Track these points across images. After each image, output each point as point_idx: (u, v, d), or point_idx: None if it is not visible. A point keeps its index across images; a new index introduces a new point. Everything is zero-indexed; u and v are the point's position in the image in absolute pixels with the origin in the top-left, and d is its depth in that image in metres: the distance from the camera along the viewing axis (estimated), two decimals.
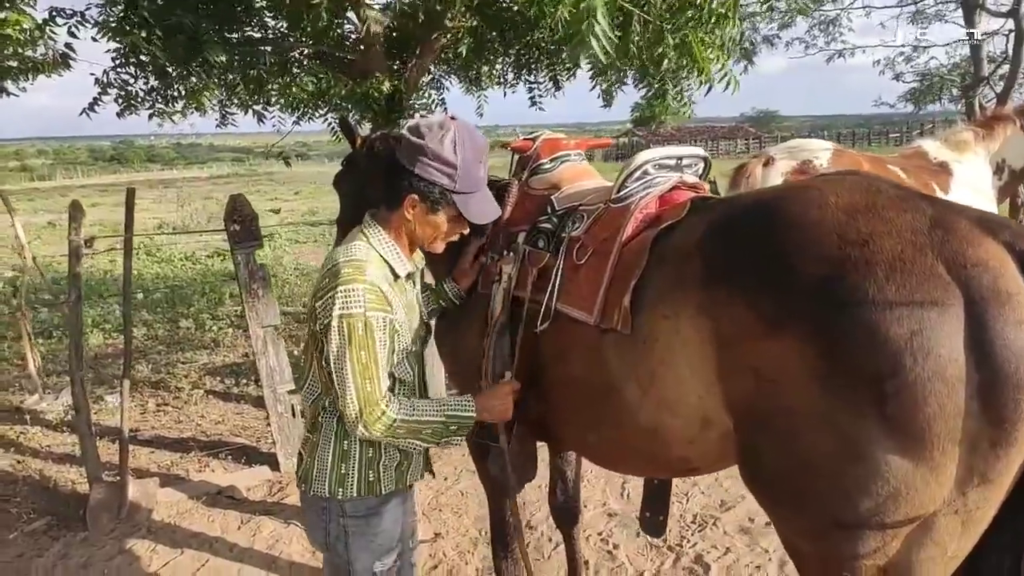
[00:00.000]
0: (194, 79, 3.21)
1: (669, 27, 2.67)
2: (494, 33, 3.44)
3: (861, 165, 4.27)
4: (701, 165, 2.14)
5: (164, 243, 13.10)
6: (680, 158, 2.06)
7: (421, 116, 2.16)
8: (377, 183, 1.91)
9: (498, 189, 2.42)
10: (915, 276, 1.38)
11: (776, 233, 1.56)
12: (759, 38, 12.05)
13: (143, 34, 2.83)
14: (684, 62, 2.85)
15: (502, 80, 4.30)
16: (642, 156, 2.01)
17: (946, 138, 4.47)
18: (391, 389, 1.84)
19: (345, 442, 1.87)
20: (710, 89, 3.29)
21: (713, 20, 2.74)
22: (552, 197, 2.21)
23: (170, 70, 3.27)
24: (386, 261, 1.85)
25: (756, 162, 4.32)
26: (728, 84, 2.98)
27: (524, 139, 2.34)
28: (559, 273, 2.03)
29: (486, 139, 1.87)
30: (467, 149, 1.79)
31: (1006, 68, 9.07)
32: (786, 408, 1.49)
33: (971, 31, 9.38)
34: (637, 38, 2.61)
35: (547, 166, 2.29)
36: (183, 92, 3.42)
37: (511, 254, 2.20)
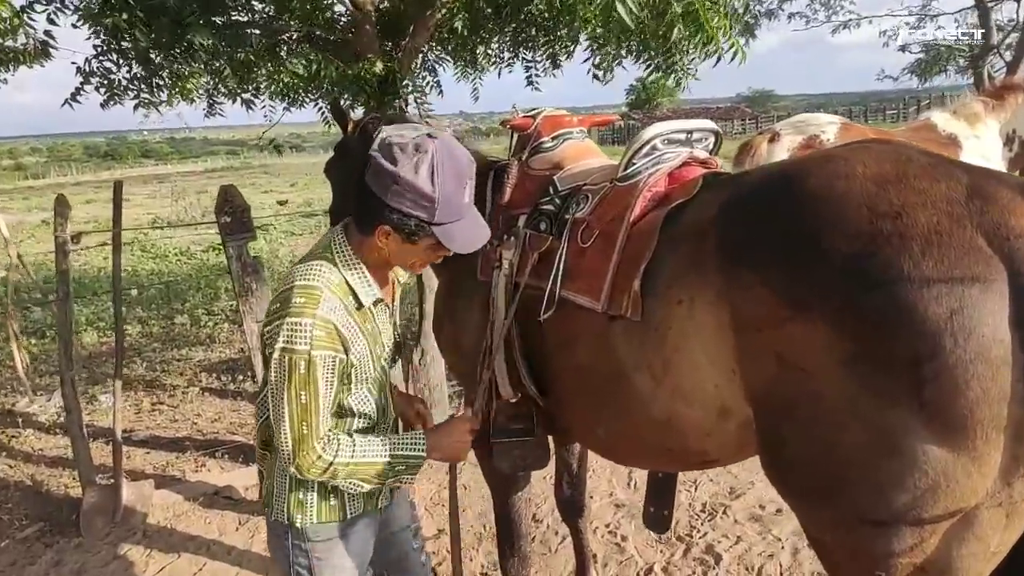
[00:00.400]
0: (178, 65, 3.08)
1: None
2: (489, 10, 3.30)
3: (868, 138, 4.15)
4: (712, 139, 2.02)
5: (159, 238, 12.97)
6: (690, 132, 1.94)
7: (402, 113, 1.94)
8: (350, 196, 1.69)
9: (497, 170, 2.30)
10: (954, 250, 1.27)
11: (799, 208, 1.44)
12: (761, 10, 11.85)
13: (124, 17, 2.69)
14: (690, 31, 2.71)
15: (498, 59, 4.16)
16: (650, 131, 1.89)
17: (955, 110, 4.35)
18: (353, 417, 1.71)
19: None
20: (718, 60, 3.15)
21: None
22: (554, 177, 2.09)
23: (153, 56, 3.14)
24: (350, 287, 1.65)
25: (762, 138, 4.20)
26: (736, 54, 2.85)
27: (524, 116, 2.22)
28: (563, 257, 1.91)
29: (469, 157, 1.64)
30: (447, 176, 1.55)
31: (1016, 36, 8.89)
32: (813, 395, 1.38)
33: None
34: (640, 6, 2.48)
35: (548, 145, 2.17)
36: (168, 80, 3.29)
37: (511, 238, 2.08)
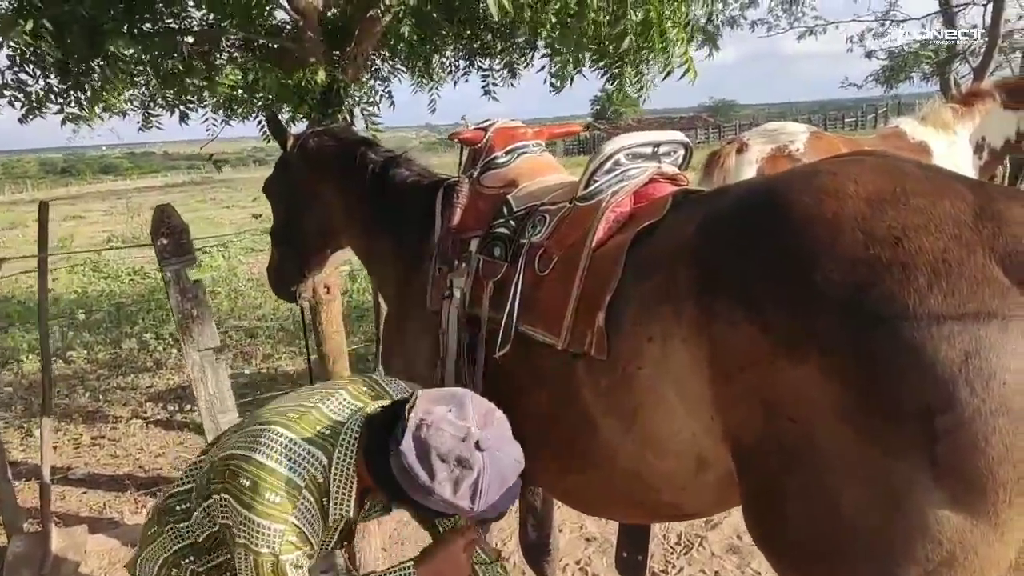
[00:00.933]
0: (98, 76, 2.81)
1: (633, 1, 2.37)
2: (437, 15, 3.09)
3: (839, 148, 4.03)
4: (681, 152, 1.82)
5: (112, 257, 12.49)
6: (657, 145, 1.75)
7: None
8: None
9: (446, 189, 2.10)
10: (965, 281, 1.08)
11: (785, 232, 1.25)
12: (724, 18, 11.86)
13: (28, 26, 2.43)
14: (645, 42, 2.54)
15: (453, 68, 3.95)
16: (613, 144, 1.69)
17: (924, 116, 4.26)
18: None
19: None
20: (668, 74, 3.01)
21: None
22: (508, 196, 1.89)
23: (72, 67, 2.87)
24: (328, 494, 1.44)
25: (730, 148, 4.06)
26: (687, 71, 2.68)
27: (474, 129, 2.01)
28: (518, 287, 1.70)
29: (518, 457, 1.45)
30: (490, 495, 1.36)
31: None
32: (807, 451, 1.19)
33: (947, 2, 9.26)
34: (596, 13, 2.30)
35: (501, 160, 1.96)
36: (91, 92, 3.02)
37: (462, 265, 1.87)
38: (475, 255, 1.85)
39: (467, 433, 1.35)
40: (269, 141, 3.49)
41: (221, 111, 3.75)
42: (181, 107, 3.68)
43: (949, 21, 9.53)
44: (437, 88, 4.22)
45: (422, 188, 2.21)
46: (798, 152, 3.96)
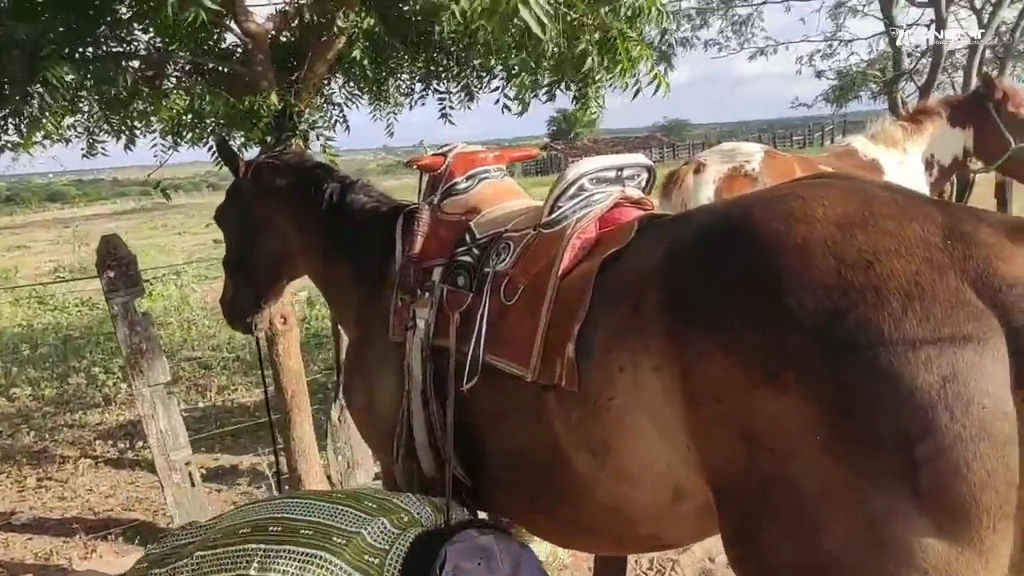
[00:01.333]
0: (37, 103, 2.70)
1: (591, 20, 2.35)
2: (388, 38, 3.05)
3: (793, 167, 4.08)
4: (645, 175, 1.80)
5: (58, 289, 12.07)
6: (620, 168, 1.72)
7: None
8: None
9: (406, 215, 2.04)
10: (939, 305, 1.06)
11: (753, 256, 1.22)
12: (676, 39, 12.10)
13: None
14: (606, 61, 2.53)
15: (409, 91, 3.90)
16: (576, 169, 1.66)
17: (874, 134, 4.34)
18: None
19: None
20: (638, 92, 3.00)
21: (633, 13, 2.43)
22: (470, 223, 1.84)
23: (8, 92, 2.75)
24: None
25: (687, 168, 4.08)
26: (659, 86, 2.68)
27: (433, 155, 1.96)
28: (484, 317, 1.65)
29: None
30: None
31: (927, 61, 9.29)
32: (786, 481, 1.15)
33: (891, 23, 9.61)
34: (555, 33, 2.28)
35: (462, 185, 1.91)
36: (28, 118, 2.89)
37: (426, 295, 1.81)
38: (438, 284, 1.80)
39: (494, 555, 1.42)
40: (221, 167, 3.40)
41: (169, 136, 3.64)
42: (127, 133, 3.57)
43: (894, 41, 9.90)
44: (394, 112, 4.18)
45: (381, 215, 2.15)
46: (754, 172, 4.00)
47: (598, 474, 1.45)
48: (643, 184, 1.80)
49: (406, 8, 2.89)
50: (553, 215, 1.64)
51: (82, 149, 3.72)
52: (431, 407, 1.79)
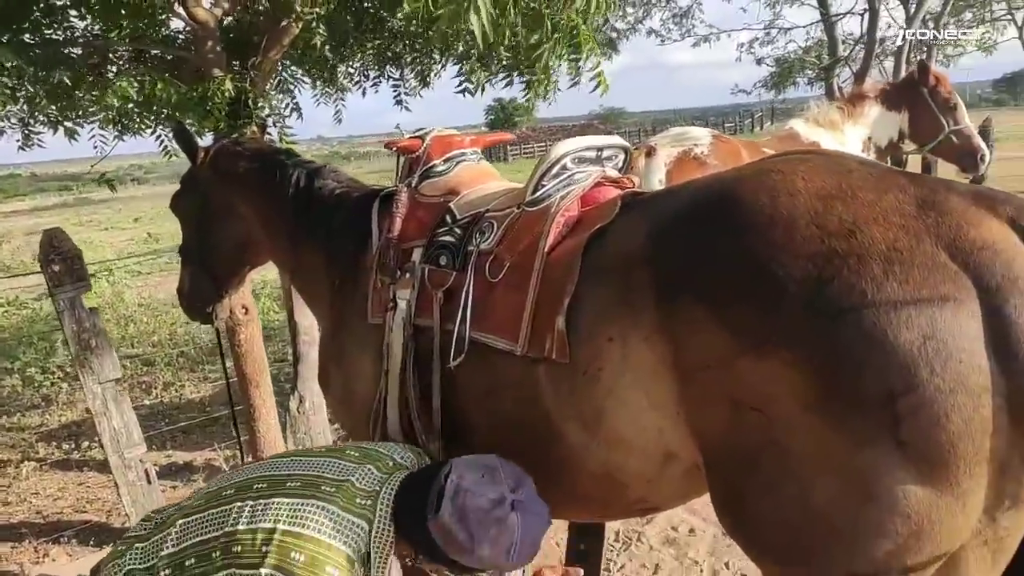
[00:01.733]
0: None
1: (548, 11, 2.37)
2: (351, 23, 3.01)
3: (739, 150, 4.21)
4: (622, 156, 1.85)
5: None
6: (600, 149, 1.76)
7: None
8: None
9: (383, 198, 2.04)
10: (917, 268, 1.14)
11: (740, 229, 1.28)
12: (620, 29, 12.29)
13: None
14: (572, 52, 2.55)
15: (363, 77, 3.85)
16: (560, 148, 1.70)
17: (814, 118, 4.51)
18: None
19: None
20: (576, 83, 3.04)
21: (587, 6, 2.46)
22: (450, 204, 1.85)
23: None
24: (370, 562, 1.46)
25: (638, 152, 4.16)
26: (598, 85, 2.71)
27: (411, 137, 1.97)
28: (470, 294, 1.67)
29: (547, 512, 1.51)
30: (524, 551, 1.45)
31: (862, 48, 9.71)
32: (776, 444, 1.22)
33: (827, 12, 10.04)
34: (514, 21, 2.29)
35: (440, 168, 1.92)
36: None
37: (407, 275, 1.82)
38: (419, 265, 1.81)
39: (502, 496, 1.42)
40: (170, 157, 3.30)
41: (111, 126, 3.52)
42: (67, 123, 3.43)
43: (830, 30, 10.32)
44: (342, 98, 4.12)
45: (354, 199, 2.14)
46: (703, 155, 4.11)
47: (589, 443, 1.49)
48: (620, 165, 1.85)
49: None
50: (537, 193, 1.67)
51: (17, 141, 3.56)
52: (409, 388, 1.80)
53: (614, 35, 11.29)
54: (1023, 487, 1.15)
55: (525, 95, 3.47)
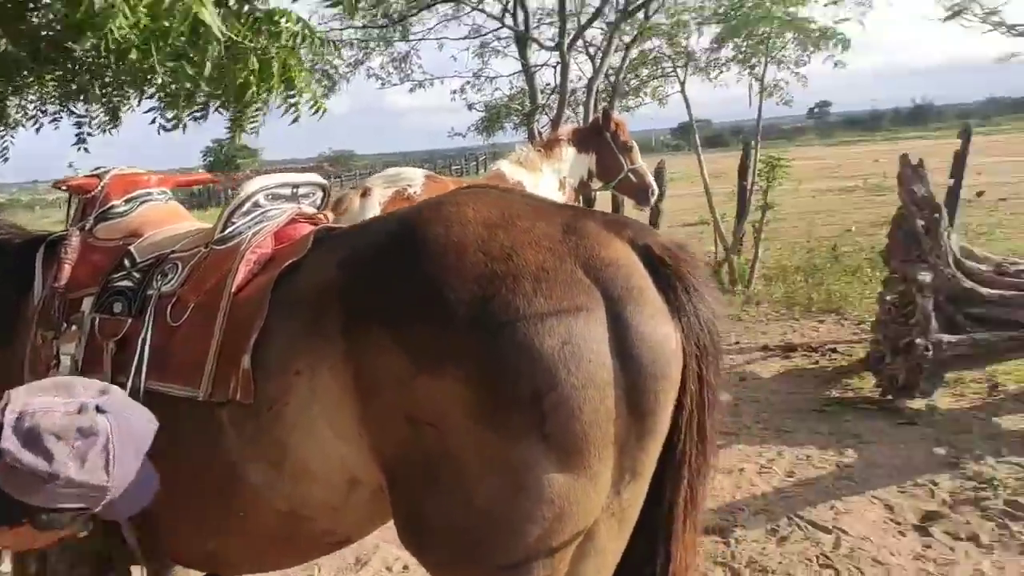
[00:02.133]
0: None
1: (253, 46, 2.36)
2: (23, 53, 2.69)
3: (450, 189, 4.49)
4: (320, 194, 1.90)
5: None
6: (296, 186, 1.79)
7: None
8: None
9: (48, 244, 1.86)
10: (559, 284, 1.34)
11: (419, 257, 1.41)
12: (339, 71, 12.48)
13: None
14: (286, 90, 2.55)
15: (40, 112, 3.45)
16: (252, 185, 1.70)
17: (517, 159, 5.00)
18: None
19: None
20: (297, 119, 3.07)
21: (293, 40, 2.50)
22: (130, 247, 1.74)
23: None
24: None
25: (354, 193, 4.26)
26: (319, 110, 2.78)
27: (87, 176, 1.82)
28: (147, 342, 1.58)
29: (149, 416, 1.30)
30: (126, 457, 1.20)
31: (555, 97, 10.90)
32: (449, 455, 1.33)
33: (526, 64, 11.19)
34: (217, 55, 2.24)
35: (120, 209, 1.81)
36: None
37: (72, 328, 1.67)
38: (88, 315, 1.67)
39: (83, 404, 1.19)
40: None
41: None
42: None
43: (529, 80, 11.51)
44: (12, 135, 3.65)
45: (16, 246, 1.92)
46: (416, 195, 4.33)
47: (275, 482, 1.48)
48: (318, 202, 1.89)
49: (38, 22, 2.57)
50: (227, 231, 1.65)
51: None
52: None
53: (333, 71, 11.50)
54: (638, 462, 1.38)
55: (230, 132, 3.38)
